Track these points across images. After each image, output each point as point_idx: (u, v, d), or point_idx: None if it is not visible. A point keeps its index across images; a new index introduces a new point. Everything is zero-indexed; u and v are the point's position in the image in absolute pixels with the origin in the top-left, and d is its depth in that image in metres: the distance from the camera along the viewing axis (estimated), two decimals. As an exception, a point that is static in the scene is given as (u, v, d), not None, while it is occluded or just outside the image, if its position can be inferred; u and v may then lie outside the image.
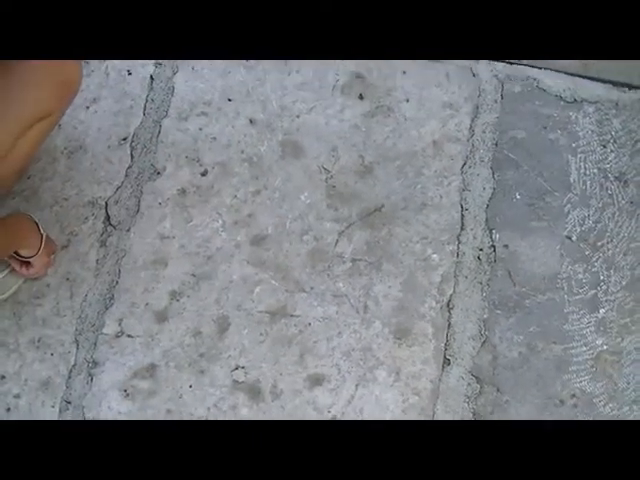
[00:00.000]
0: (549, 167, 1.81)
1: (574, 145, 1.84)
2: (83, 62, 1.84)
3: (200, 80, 1.90)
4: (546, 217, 1.78)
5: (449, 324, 1.72)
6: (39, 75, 1.48)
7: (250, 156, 1.84)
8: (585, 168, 1.82)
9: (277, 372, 1.69)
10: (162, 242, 1.79)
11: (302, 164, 1.83)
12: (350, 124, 1.85)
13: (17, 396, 1.70)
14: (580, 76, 1.90)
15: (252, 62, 1.90)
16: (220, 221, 1.80)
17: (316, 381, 1.69)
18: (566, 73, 1.89)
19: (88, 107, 1.89)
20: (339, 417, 1.66)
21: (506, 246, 1.76)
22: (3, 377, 1.71)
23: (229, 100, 1.88)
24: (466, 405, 1.69)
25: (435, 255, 1.76)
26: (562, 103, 1.88)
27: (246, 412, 1.66)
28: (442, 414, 1.68)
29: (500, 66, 1.90)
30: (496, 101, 1.87)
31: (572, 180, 1.81)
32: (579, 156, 1.83)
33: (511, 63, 1.90)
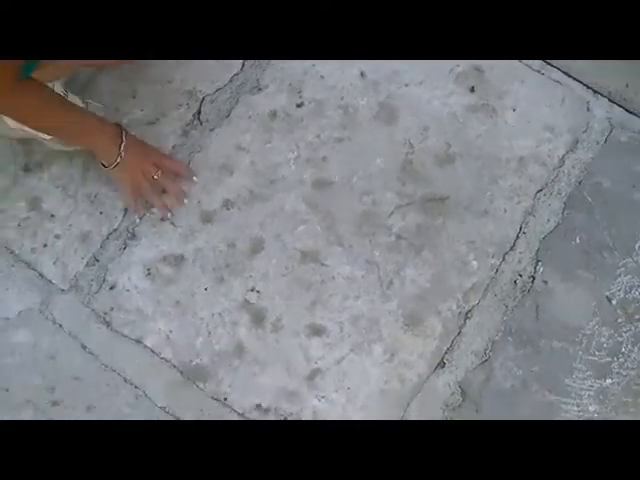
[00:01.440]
0: (620, 225, 1.77)
1: (655, 213, 1.81)
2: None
3: (332, 18, 1.95)
4: (596, 271, 1.75)
5: (460, 331, 1.73)
6: None
7: (347, 105, 1.88)
8: (657, 240, 1.79)
9: (286, 308, 1.75)
10: (236, 152, 1.86)
11: (391, 131, 1.85)
12: (450, 111, 1.86)
13: (57, 237, 1.83)
14: (693, 147, 1.85)
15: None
16: (295, 153, 1.85)
17: (316, 331, 1.73)
18: (679, 140, 1.85)
19: (223, 6, 1.98)
20: (323, 371, 1.71)
21: (545, 282, 1.74)
22: (52, 216, 1.84)
23: (350, 47, 1.93)
24: (441, 412, 1.69)
25: (475, 262, 1.76)
26: (662, 168, 1.84)
27: (244, 332, 1.73)
28: (415, 410, 1.69)
29: (618, 111, 1.85)
30: (598, 142, 1.83)
31: (637, 247, 1.76)
32: (655, 225, 1.80)
33: (630, 112, 1.86)
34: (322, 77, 1.91)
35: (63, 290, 1.79)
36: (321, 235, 1.80)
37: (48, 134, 1.79)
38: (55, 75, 1.79)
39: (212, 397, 1.71)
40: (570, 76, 1.88)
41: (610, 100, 1.87)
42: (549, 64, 1.89)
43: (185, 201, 1.83)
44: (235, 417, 1.70)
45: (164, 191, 1.83)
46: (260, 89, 1.91)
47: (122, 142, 1.74)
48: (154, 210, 1.83)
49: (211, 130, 1.88)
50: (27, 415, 1.72)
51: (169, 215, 1.82)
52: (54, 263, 1.81)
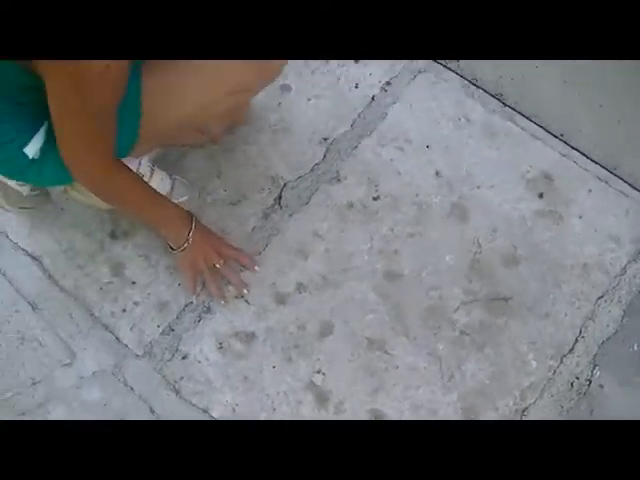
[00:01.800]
0: (678, 336, 1.85)
1: None
2: (319, 63, 2.08)
3: (411, 118, 2.06)
4: (652, 379, 1.82)
5: (516, 427, 1.79)
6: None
7: (421, 202, 1.98)
8: None
9: (349, 393, 1.82)
10: (313, 238, 1.96)
11: (462, 229, 1.95)
12: (520, 214, 1.95)
13: (136, 303, 1.92)
14: None
15: (461, 123, 2.05)
16: (369, 244, 1.94)
17: (377, 417, 1.80)
18: None
19: (310, 99, 2.09)
20: (381, 456, 1.78)
21: (601, 386, 1.80)
22: (133, 283, 1.94)
23: (427, 147, 2.02)
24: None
25: (534, 362, 1.82)
26: None
27: (307, 412, 1.80)
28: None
29: (681, 225, 1.95)
30: (660, 255, 1.93)
31: (694, 358, 1.83)
32: None
33: (693, 229, 1.94)
34: (399, 173, 2.01)
35: (137, 355, 1.87)
36: (388, 325, 1.88)
37: (127, 214, 1.92)
38: (142, 152, 1.90)
39: (273, 472, 1.79)
40: (635, 188, 1.98)
41: (673, 215, 1.96)
42: (615, 174, 1.99)
43: (245, 291, 1.92)
44: (293, 493, 1.77)
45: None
46: (339, 180, 2.01)
47: (191, 229, 1.84)
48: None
49: (290, 215, 1.99)
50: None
51: (224, 302, 1.92)
52: (131, 329, 1.90)
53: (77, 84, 1.41)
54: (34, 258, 1.99)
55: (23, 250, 2.00)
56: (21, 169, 1.72)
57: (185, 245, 1.85)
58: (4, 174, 1.82)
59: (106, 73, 1.39)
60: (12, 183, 1.90)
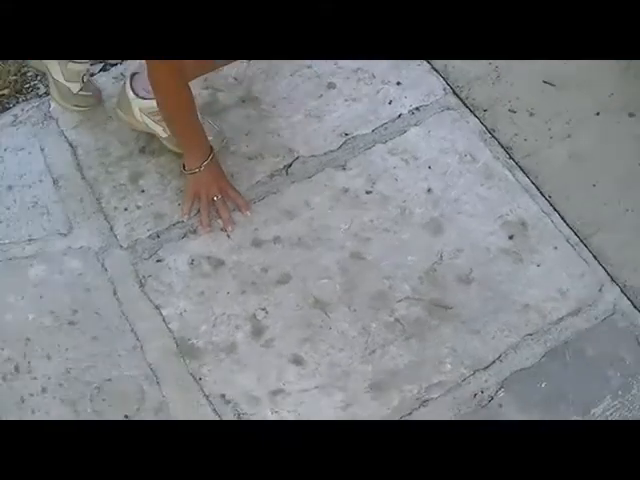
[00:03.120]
0: (587, 390, 1.92)
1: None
2: (367, 75, 2.35)
3: (425, 141, 2.28)
4: (548, 415, 1.92)
5: (410, 413, 1.90)
6: None
7: (406, 207, 2.18)
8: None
9: (282, 334, 2.00)
10: (303, 205, 2.20)
11: (431, 241, 2.14)
12: (486, 245, 2.11)
13: (138, 207, 2.19)
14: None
15: (466, 158, 2.26)
16: (348, 225, 2.15)
17: (297, 361, 1.97)
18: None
19: (346, 100, 2.35)
20: (286, 392, 1.92)
21: (500, 405, 1.89)
22: (143, 191, 2.22)
23: (429, 167, 2.23)
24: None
25: (449, 365, 1.97)
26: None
27: (240, 337, 1.98)
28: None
29: (626, 303, 2.03)
30: (597, 318, 2.01)
31: (592, 412, 1.91)
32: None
33: (636, 308, 2.05)
34: (396, 179, 2.23)
35: (121, 247, 2.13)
36: (337, 293, 2.07)
37: (168, 123, 2.13)
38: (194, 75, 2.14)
39: (190, 373, 1.97)
40: (596, 259, 2.12)
41: (622, 292, 2.08)
42: (583, 243, 2.13)
43: (229, 228, 2.15)
44: (201, 396, 1.94)
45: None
46: (344, 169, 2.25)
47: (206, 160, 2.10)
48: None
49: (292, 182, 2.23)
50: (48, 321, 2.03)
51: (207, 230, 2.14)
52: (125, 225, 2.17)
53: None
54: (71, 146, 2.30)
55: (65, 138, 2.32)
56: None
57: (196, 171, 2.12)
58: None
59: None
60: (62, 80, 2.22)
